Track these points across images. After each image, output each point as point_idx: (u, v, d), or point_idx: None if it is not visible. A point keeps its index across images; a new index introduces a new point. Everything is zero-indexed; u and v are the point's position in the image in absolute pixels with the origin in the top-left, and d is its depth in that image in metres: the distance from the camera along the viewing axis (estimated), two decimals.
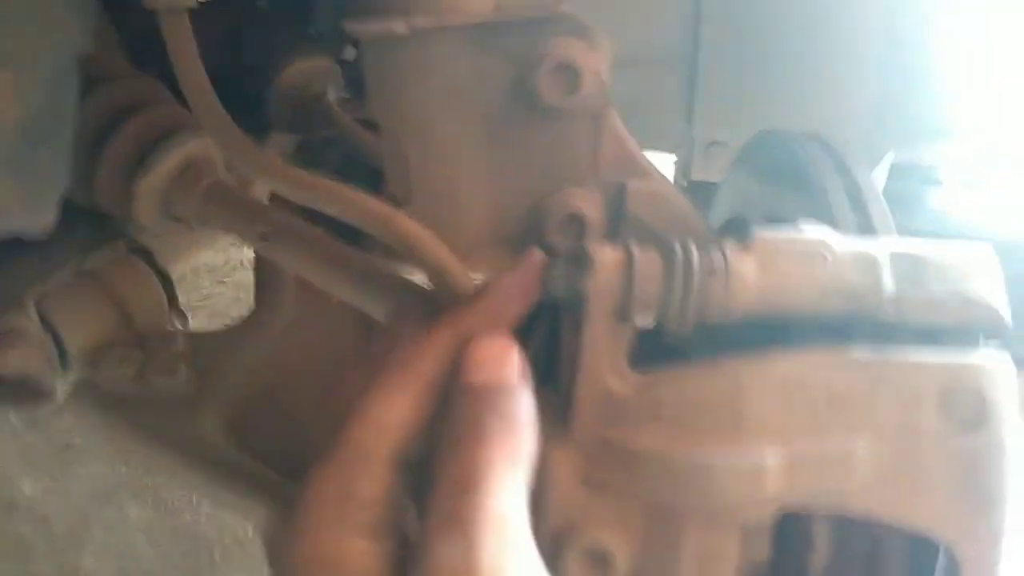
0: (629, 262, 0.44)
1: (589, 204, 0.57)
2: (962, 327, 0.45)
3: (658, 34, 1.06)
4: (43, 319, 0.78)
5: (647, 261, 0.44)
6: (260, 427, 0.85)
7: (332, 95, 1.05)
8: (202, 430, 0.80)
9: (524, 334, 0.57)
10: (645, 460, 0.43)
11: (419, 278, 0.60)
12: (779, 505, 0.43)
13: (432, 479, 0.37)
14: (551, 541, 0.44)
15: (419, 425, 0.39)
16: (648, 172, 0.59)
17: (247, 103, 0.87)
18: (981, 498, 0.43)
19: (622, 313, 0.44)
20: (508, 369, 0.41)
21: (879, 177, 1.16)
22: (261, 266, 0.96)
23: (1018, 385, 0.44)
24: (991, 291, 0.46)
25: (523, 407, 0.40)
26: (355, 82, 1.10)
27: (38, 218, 0.66)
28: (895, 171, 1.66)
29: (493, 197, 0.58)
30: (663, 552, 0.44)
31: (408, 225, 0.50)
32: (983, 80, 1.02)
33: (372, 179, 0.89)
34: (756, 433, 0.42)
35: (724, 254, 0.44)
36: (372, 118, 0.62)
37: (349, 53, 1.10)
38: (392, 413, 0.39)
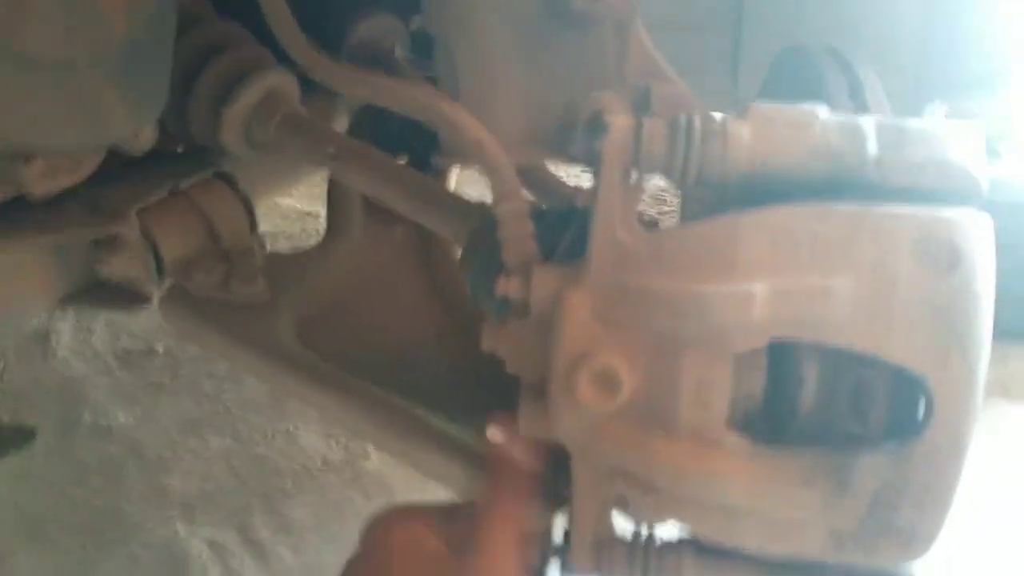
0: (639, 126, 0.50)
1: (615, 106, 0.64)
2: (940, 190, 0.50)
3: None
4: (143, 231, 0.88)
5: (654, 125, 0.50)
6: (327, 333, 0.94)
7: (399, 53, 1.13)
8: (276, 332, 0.89)
9: (552, 240, 0.64)
10: (649, 295, 0.50)
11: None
12: (767, 334, 0.49)
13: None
14: (564, 368, 0.51)
15: None
16: (671, 79, 0.65)
17: None
18: (952, 335, 0.48)
19: (633, 171, 0.50)
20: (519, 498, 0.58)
21: None
22: (332, 199, 1.05)
23: None
24: (970, 159, 0.50)
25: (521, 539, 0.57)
26: (422, 44, 1.18)
27: (138, 129, 0.76)
28: None
29: (529, 98, 0.65)
30: (664, 379, 0.51)
31: (450, 107, 0.58)
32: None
33: (432, 137, 0.97)
34: (746, 271, 0.48)
35: (723, 122, 0.50)
36: (429, 30, 0.70)
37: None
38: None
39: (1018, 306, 1.60)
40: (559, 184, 0.94)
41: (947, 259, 0.48)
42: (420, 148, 1.00)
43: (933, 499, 0.51)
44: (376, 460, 1.49)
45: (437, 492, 1.07)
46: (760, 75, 1.09)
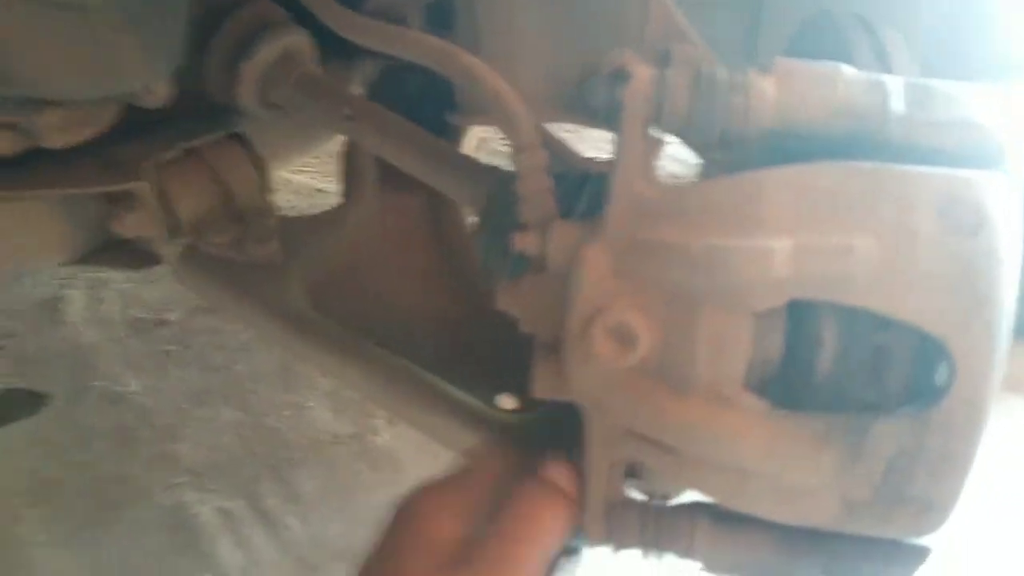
0: (662, 76, 0.49)
1: (634, 64, 0.63)
2: (966, 151, 0.49)
3: None
4: (158, 188, 0.88)
5: (678, 75, 0.49)
6: (338, 298, 0.94)
7: (414, 23, 1.12)
8: (288, 293, 0.89)
9: (568, 204, 0.63)
10: (668, 249, 0.49)
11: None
12: (786, 293, 0.48)
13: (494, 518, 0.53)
14: (580, 322, 0.51)
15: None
16: (693, 41, 0.64)
17: None
18: (974, 297, 0.47)
19: (654, 122, 0.49)
20: (570, 486, 0.57)
21: None
22: (348, 164, 1.05)
23: None
24: (997, 121, 0.49)
25: (566, 518, 0.56)
26: (436, 15, 1.17)
27: (154, 80, 0.76)
28: None
29: (549, 57, 0.64)
30: (681, 335, 0.50)
31: (469, 58, 0.57)
32: None
33: (449, 101, 0.97)
34: (767, 227, 0.47)
35: (747, 75, 0.49)
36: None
37: None
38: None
39: None
40: (572, 154, 0.93)
41: (971, 221, 0.47)
42: (436, 117, 0.99)
43: (949, 468, 0.50)
44: (385, 434, 1.49)
45: (444, 463, 1.07)
46: (779, 52, 1.07)
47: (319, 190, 2.26)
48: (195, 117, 0.96)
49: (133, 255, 0.92)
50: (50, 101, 0.71)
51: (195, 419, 1.50)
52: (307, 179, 2.27)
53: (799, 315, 0.50)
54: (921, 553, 0.55)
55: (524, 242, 0.55)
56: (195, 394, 1.55)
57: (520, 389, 0.91)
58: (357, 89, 1.13)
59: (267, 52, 0.85)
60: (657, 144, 0.51)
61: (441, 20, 1.18)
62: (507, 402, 0.89)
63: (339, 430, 1.50)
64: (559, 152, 1.03)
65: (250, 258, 0.90)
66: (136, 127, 0.90)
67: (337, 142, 1.22)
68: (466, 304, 1.01)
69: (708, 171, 0.58)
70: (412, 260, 1.04)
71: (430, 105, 1.05)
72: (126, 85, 0.72)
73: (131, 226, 0.88)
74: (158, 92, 0.78)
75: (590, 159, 0.83)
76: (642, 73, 0.49)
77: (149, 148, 0.88)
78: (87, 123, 0.79)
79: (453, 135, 0.99)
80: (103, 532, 1.31)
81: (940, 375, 0.50)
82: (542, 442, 0.72)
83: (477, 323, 0.98)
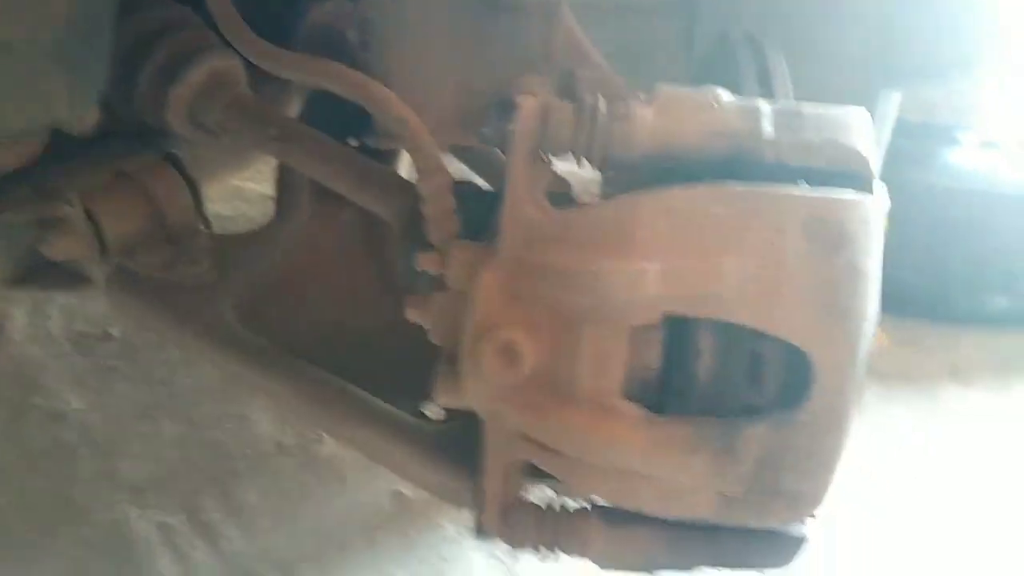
0: (546, 108, 0.53)
1: (540, 89, 0.67)
2: (832, 169, 0.53)
3: None
4: (87, 212, 0.90)
5: (561, 108, 0.53)
6: (273, 315, 0.96)
7: (352, 37, 1.14)
8: (218, 313, 0.91)
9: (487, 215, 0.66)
10: (552, 272, 0.53)
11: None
12: (659, 310, 0.52)
13: None
14: (472, 340, 0.54)
15: None
16: (596, 63, 0.68)
17: (276, 44, 0.97)
18: (837, 312, 0.51)
19: (541, 151, 0.53)
20: None
21: (884, 132, 1.14)
22: (281, 180, 1.07)
23: None
24: (861, 140, 0.54)
25: None
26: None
27: (80, 110, 0.78)
28: (912, 130, 1.67)
29: (458, 82, 0.68)
30: (566, 351, 0.54)
31: (380, 89, 0.60)
32: (986, 17, 1.03)
33: None
34: (641, 250, 0.51)
35: (628, 105, 0.53)
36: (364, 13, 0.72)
37: None
38: None
39: (970, 291, 1.62)
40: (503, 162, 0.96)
41: (834, 239, 0.51)
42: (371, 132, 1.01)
43: (815, 465, 0.54)
44: (330, 444, 1.49)
45: (387, 475, 1.09)
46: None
47: (269, 197, 2.25)
48: (126, 139, 0.98)
49: (66, 276, 0.94)
50: None
51: (137, 435, 1.49)
52: (256, 186, 2.26)
53: (678, 327, 0.54)
54: (798, 541, 0.59)
55: (428, 262, 0.59)
56: (138, 409, 1.54)
57: None
58: (293, 107, 1.15)
59: (194, 77, 0.87)
60: (546, 169, 0.55)
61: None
62: (434, 411, 0.91)
63: (283, 440, 1.51)
64: (488, 161, 1.06)
65: (182, 278, 0.92)
66: (65, 150, 0.91)
67: None
68: (397, 315, 1.04)
69: (605, 186, 0.62)
70: (347, 275, 1.06)
71: (363, 123, 1.08)
72: (54, 117, 0.74)
73: (61, 250, 0.89)
74: (86, 120, 0.80)
75: None
76: (527, 105, 0.53)
77: (79, 172, 0.90)
78: (16, 152, 0.80)
79: (385, 155, 1.02)
80: (42, 553, 1.31)
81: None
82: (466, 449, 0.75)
83: (407, 334, 1.00)
